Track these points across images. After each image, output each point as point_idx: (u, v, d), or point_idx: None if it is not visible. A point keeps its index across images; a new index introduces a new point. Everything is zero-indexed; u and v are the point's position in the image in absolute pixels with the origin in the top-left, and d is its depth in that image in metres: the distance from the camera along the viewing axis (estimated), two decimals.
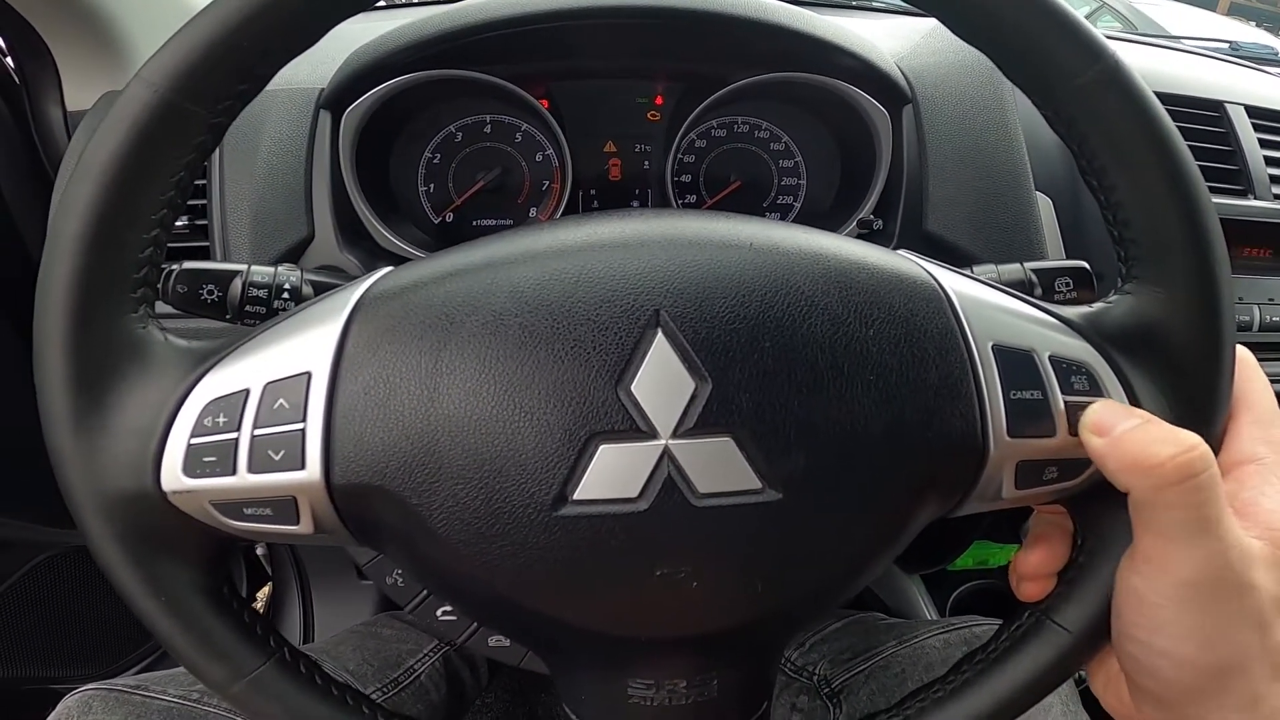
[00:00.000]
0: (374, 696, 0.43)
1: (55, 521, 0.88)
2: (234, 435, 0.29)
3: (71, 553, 0.97)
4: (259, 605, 1.16)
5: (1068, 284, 0.45)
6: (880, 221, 0.62)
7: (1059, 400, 0.31)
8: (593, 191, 0.69)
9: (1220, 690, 0.30)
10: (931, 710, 0.34)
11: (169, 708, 0.53)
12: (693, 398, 0.28)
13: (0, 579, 0.90)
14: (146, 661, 1.06)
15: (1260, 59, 1.04)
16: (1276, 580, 0.29)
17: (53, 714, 0.52)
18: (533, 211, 0.69)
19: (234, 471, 0.29)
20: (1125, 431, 0.30)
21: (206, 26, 0.29)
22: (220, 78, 0.29)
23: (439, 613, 0.48)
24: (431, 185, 0.67)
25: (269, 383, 0.30)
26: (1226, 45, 1.11)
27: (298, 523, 0.30)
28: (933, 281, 0.32)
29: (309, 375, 0.29)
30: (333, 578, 0.96)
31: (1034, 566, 0.35)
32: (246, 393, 0.30)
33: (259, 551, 1.14)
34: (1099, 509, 0.33)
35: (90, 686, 0.54)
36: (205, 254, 0.60)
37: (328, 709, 0.33)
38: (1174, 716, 0.32)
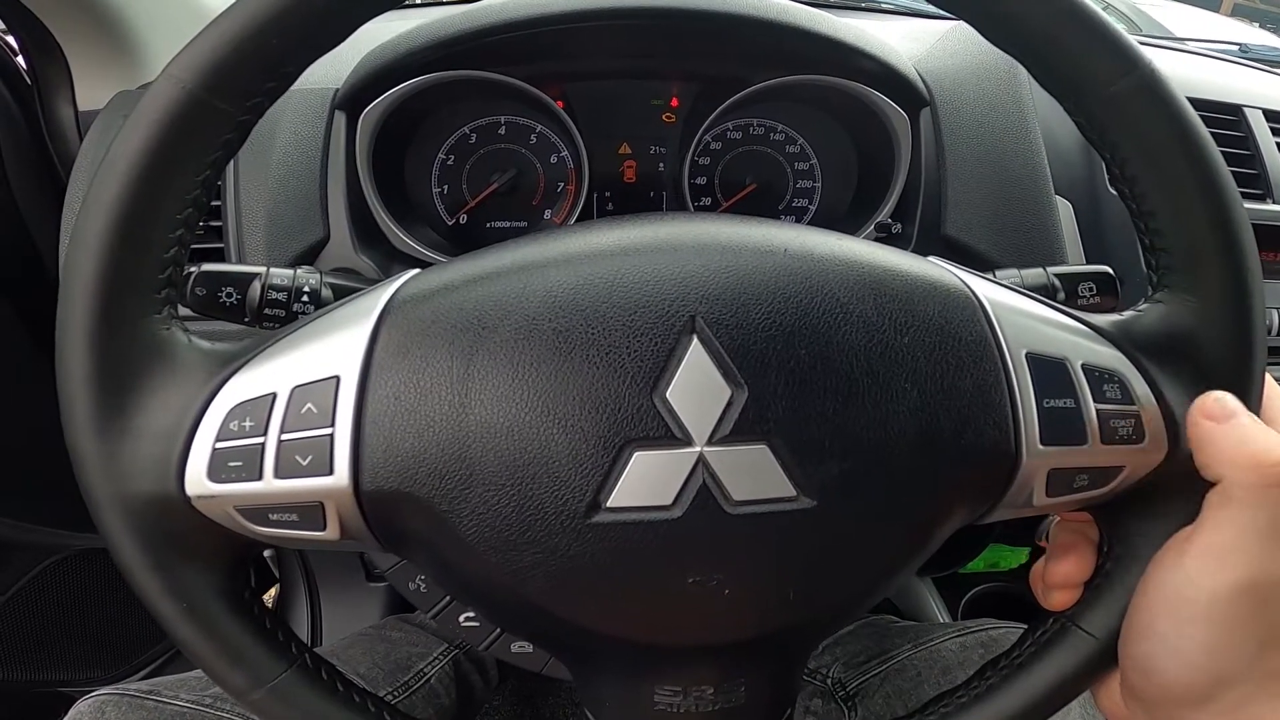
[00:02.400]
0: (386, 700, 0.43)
1: (64, 524, 0.87)
2: (260, 440, 0.29)
3: (80, 556, 0.96)
4: None
5: (1091, 289, 0.44)
6: (898, 225, 0.61)
7: (1091, 409, 0.31)
8: (607, 193, 0.68)
9: (1208, 698, 0.30)
10: (956, 715, 0.34)
11: (182, 713, 0.52)
12: (728, 405, 0.28)
13: (9, 582, 0.90)
14: (155, 664, 1.06)
15: (1271, 61, 1.03)
16: None
17: (65, 718, 0.52)
18: (547, 214, 0.68)
19: (260, 477, 0.29)
20: (1242, 423, 0.30)
21: (235, 23, 0.28)
22: (249, 75, 0.29)
23: (462, 619, 0.48)
24: (445, 187, 0.67)
25: (297, 386, 0.29)
26: (1236, 47, 1.11)
27: (324, 529, 0.30)
28: (966, 289, 0.32)
29: (338, 379, 0.29)
30: (340, 580, 0.96)
31: (1064, 577, 0.35)
32: (273, 396, 0.29)
33: (266, 554, 1.14)
34: (1128, 517, 0.33)
35: (103, 691, 0.54)
36: (219, 256, 0.60)
37: (350, 716, 0.32)
38: (1156, 717, 0.32)
